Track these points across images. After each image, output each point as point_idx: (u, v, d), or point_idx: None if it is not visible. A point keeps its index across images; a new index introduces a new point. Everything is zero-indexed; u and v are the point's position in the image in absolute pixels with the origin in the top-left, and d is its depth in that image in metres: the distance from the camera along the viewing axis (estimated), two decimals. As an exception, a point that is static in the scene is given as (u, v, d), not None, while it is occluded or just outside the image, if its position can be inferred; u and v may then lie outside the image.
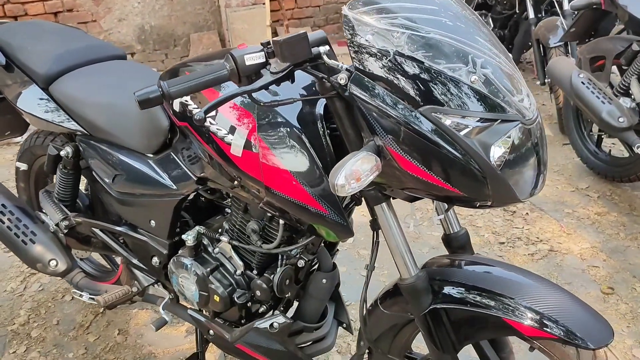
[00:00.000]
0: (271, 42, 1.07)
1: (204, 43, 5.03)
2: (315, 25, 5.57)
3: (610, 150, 3.04)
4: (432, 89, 1.00)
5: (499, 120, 1.01)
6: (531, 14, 3.70)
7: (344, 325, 1.65)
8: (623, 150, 2.99)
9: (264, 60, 1.06)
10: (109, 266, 2.26)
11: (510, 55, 1.11)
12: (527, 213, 2.78)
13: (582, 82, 2.64)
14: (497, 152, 1.02)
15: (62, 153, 1.75)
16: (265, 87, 1.06)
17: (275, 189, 1.23)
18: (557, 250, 2.48)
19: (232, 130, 1.25)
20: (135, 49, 5.00)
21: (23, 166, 2.11)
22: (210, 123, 1.29)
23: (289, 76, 1.08)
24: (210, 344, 1.88)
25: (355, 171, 1.02)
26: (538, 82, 3.65)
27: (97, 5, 4.70)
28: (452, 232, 1.36)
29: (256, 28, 4.95)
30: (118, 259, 2.21)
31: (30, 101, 1.77)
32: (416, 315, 1.23)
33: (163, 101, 1.04)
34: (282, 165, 1.20)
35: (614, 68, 2.81)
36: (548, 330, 1.10)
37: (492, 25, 4.26)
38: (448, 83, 1.00)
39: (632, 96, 2.58)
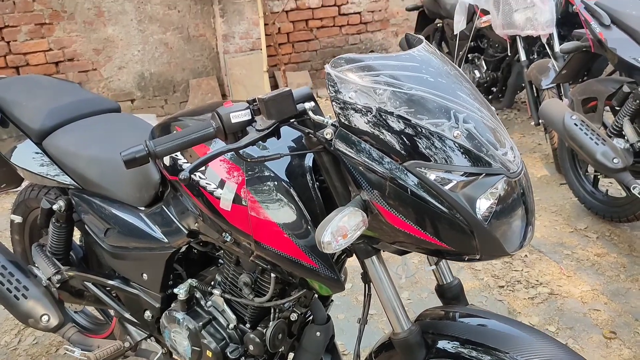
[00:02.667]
0: (257, 99, 1.08)
1: (202, 88, 5.10)
2: (312, 69, 5.66)
3: (607, 190, 3.04)
4: (416, 144, 1.00)
5: (484, 174, 1.01)
6: (523, 56, 3.75)
7: (342, 377, 1.62)
8: (620, 190, 2.98)
9: (249, 117, 1.07)
10: (102, 318, 2.24)
11: (493, 108, 1.12)
12: (526, 255, 2.76)
13: (575, 124, 2.66)
14: (483, 205, 1.01)
15: (55, 207, 1.76)
16: (251, 144, 1.07)
17: (265, 242, 1.22)
18: (558, 294, 2.45)
19: (221, 184, 1.26)
20: (135, 96, 5.07)
21: (17, 219, 2.11)
22: (200, 177, 1.29)
23: (275, 132, 1.09)
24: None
25: (341, 227, 1.01)
26: (532, 123, 3.68)
27: (98, 54, 4.79)
28: (445, 282, 1.34)
29: (254, 73, 5.03)
30: (112, 311, 2.19)
31: (24, 156, 1.78)
32: (410, 371, 1.20)
33: (149, 160, 1.05)
34: (271, 219, 1.20)
35: (607, 109, 2.84)
36: (544, 386, 1.07)
37: (485, 68, 4.32)
38: (431, 138, 1.00)
39: (625, 137, 2.59)
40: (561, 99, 3.34)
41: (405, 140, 1.01)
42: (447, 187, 1.00)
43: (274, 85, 5.36)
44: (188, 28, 5.08)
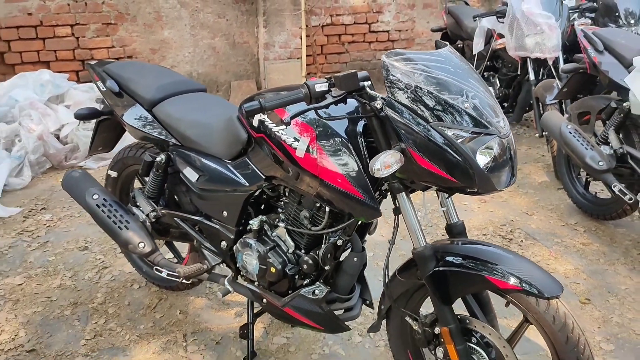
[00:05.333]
0: (332, 76, 1.61)
1: (242, 89, 5.66)
2: (341, 79, 6.20)
3: (596, 193, 3.53)
4: (440, 111, 1.52)
5: (483, 134, 1.52)
6: (532, 76, 4.26)
7: (367, 302, 2.10)
8: (608, 192, 3.46)
9: (327, 88, 1.60)
10: (175, 259, 2.75)
11: (492, 92, 1.64)
12: (522, 240, 3.24)
13: (570, 132, 3.15)
14: (482, 159, 1.52)
15: (158, 159, 2.28)
16: (328, 105, 1.60)
17: (328, 181, 1.72)
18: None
19: (296, 139, 1.77)
20: (182, 93, 5.64)
21: (114, 174, 2.63)
22: (282, 134, 1.80)
23: (344, 100, 1.62)
24: (258, 318, 2.36)
25: (386, 161, 1.53)
26: (537, 135, 4.18)
27: (154, 53, 5.38)
28: (452, 222, 1.83)
29: (290, 79, 5.59)
30: (183, 254, 2.70)
31: (134, 118, 2.31)
32: (423, 275, 1.69)
33: (262, 111, 1.56)
34: (333, 163, 1.70)
35: (599, 122, 3.34)
36: (517, 285, 1.57)
37: (498, 85, 4.84)
38: (450, 107, 1.52)
39: (610, 144, 3.08)
40: (563, 114, 3.83)
41: (432, 108, 1.52)
42: (459, 141, 1.51)
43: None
44: (234, 35, 5.67)
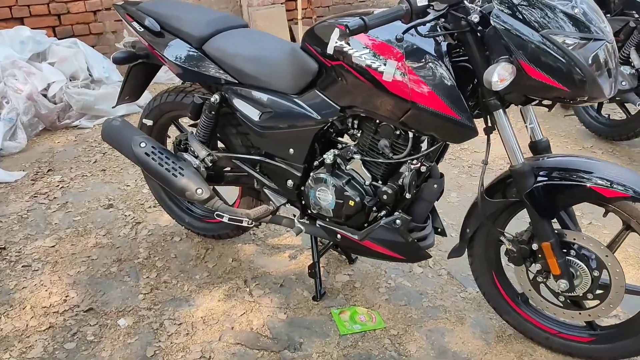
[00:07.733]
0: (432, -9, 1.54)
1: (227, 39, 5.45)
2: (322, 24, 6.05)
3: (609, 115, 3.61)
4: (549, 18, 1.48)
5: (593, 39, 1.50)
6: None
7: (439, 230, 2.09)
8: (620, 113, 3.55)
9: (428, 2, 1.53)
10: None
11: (594, 3, 1.61)
12: (546, 166, 3.30)
13: (589, 55, 3.18)
14: (594, 65, 1.50)
15: (212, 100, 2.15)
16: (430, 21, 1.54)
17: (421, 103, 1.67)
18: None
19: (383, 62, 1.70)
20: (162, 46, 5.38)
21: (149, 122, 2.49)
22: (365, 57, 1.73)
23: (445, 15, 1.56)
24: (322, 256, 2.32)
25: (501, 74, 1.49)
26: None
27: (132, 4, 5.08)
28: (536, 139, 1.82)
29: (276, 25, 5.42)
30: (230, 201, 2.60)
31: (180, 57, 2.16)
32: (522, 192, 1.68)
33: (366, 30, 1.48)
34: (427, 84, 1.64)
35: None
36: (623, 192, 1.58)
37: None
38: (560, 14, 1.49)
39: (632, 63, 3.14)
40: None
41: (542, 16, 1.48)
42: (570, 48, 1.48)
43: (292, 38, 5.74)
44: (214, -19, 5.41)
